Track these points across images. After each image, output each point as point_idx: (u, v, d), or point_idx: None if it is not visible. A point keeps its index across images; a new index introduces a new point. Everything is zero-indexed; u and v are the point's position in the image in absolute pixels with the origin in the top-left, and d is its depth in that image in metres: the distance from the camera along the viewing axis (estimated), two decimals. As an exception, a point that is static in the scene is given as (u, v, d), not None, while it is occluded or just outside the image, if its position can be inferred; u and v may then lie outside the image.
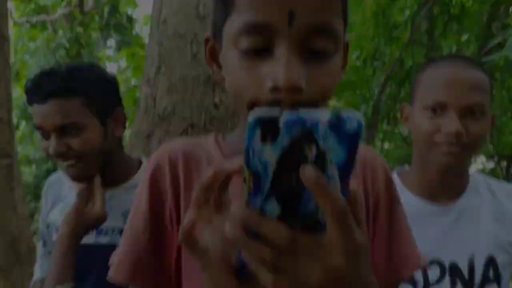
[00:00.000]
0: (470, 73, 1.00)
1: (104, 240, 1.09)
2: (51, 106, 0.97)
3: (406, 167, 1.21)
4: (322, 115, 0.38)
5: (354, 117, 0.39)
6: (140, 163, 1.21)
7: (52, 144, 0.99)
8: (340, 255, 0.42)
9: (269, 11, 0.53)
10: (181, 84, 2.57)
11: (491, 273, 1.03)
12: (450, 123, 0.97)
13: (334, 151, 0.40)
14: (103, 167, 1.07)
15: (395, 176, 1.15)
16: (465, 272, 1.03)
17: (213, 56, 0.67)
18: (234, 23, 0.56)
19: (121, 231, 1.05)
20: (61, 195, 1.19)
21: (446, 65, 1.04)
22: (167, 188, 0.68)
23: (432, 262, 1.03)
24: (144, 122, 2.51)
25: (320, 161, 0.40)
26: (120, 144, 1.16)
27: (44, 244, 1.23)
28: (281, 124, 0.38)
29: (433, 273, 1.04)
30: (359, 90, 4.76)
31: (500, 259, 1.02)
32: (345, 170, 0.41)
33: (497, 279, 1.02)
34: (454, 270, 1.03)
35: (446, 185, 1.08)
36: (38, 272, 1.23)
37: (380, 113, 4.43)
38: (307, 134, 0.39)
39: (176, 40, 2.54)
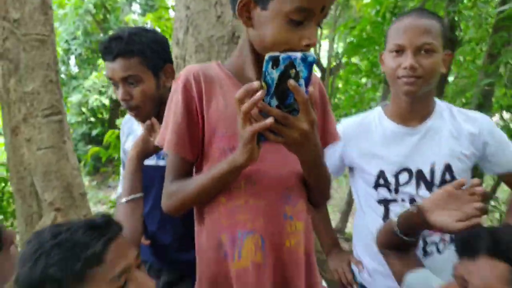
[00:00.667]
0: (422, 21, 1.24)
1: (161, 162, 1.40)
2: (117, 64, 1.26)
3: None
4: (298, 55, 0.77)
5: (311, 55, 0.78)
6: None
7: (120, 92, 1.29)
8: (306, 123, 0.83)
9: (314, 3, 0.87)
10: (207, 44, 2.81)
11: (447, 176, 1.30)
12: (406, 60, 1.23)
13: (303, 72, 0.76)
14: (158, 110, 1.35)
15: (380, 109, 1.42)
16: (428, 176, 1.31)
17: (247, 9, 0.93)
18: (288, 3, 0.86)
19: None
20: (132, 129, 1.51)
21: (405, 17, 1.28)
22: (194, 94, 1.01)
23: (403, 169, 1.32)
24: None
25: (296, 77, 0.76)
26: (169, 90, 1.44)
27: (124, 167, 1.56)
28: (280, 59, 0.76)
29: (403, 177, 1.33)
30: (378, 45, 4.86)
31: (455, 167, 1.30)
32: (307, 81, 0.80)
33: (452, 178, 1.30)
34: (419, 174, 1.31)
35: (414, 111, 1.33)
36: (120, 188, 1.57)
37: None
38: (291, 63, 0.75)
39: (201, 2, 2.75)
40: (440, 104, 1.38)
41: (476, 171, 1.55)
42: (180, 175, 1.04)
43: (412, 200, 1.31)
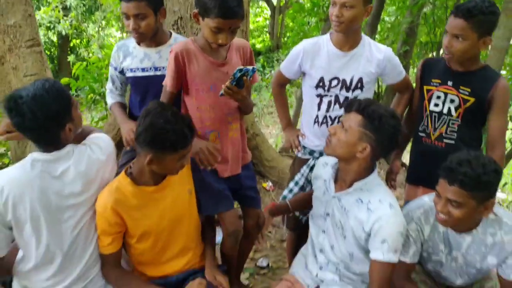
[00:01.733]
0: None
1: (158, 73, 2.01)
2: (132, 4, 1.80)
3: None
4: (249, 68, 1.57)
5: (255, 68, 1.61)
6: (170, 33, 2.10)
7: (131, 23, 1.84)
8: (245, 93, 1.68)
9: (224, 26, 1.57)
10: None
11: (359, 85, 1.99)
12: (334, 10, 1.86)
13: (250, 74, 1.60)
14: (155, 35, 1.96)
15: (328, 36, 2.04)
16: (348, 83, 1.99)
17: (197, 17, 1.67)
18: (210, 22, 1.59)
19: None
20: (129, 51, 2.04)
21: None
22: (180, 63, 1.73)
23: (334, 78, 1.99)
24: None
25: (247, 76, 1.58)
26: (161, 25, 2.01)
27: (113, 82, 2.14)
28: (243, 68, 1.56)
29: (334, 82, 1.99)
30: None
31: (364, 79, 1.98)
32: (251, 77, 1.65)
33: (362, 88, 1.99)
34: (343, 82, 1.99)
35: (345, 42, 1.96)
36: (108, 99, 2.19)
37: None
38: (245, 72, 1.56)
39: None
40: (364, 38, 2.02)
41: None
42: (166, 101, 1.78)
43: (336, 96, 2.01)
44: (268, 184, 3.82)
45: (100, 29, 11.55)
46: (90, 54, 11.96)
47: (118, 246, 1.57)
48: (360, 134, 1.48)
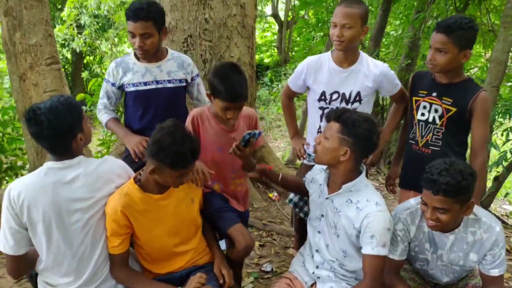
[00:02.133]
0: (346, 9, 2.01)
1: (159, 86, 2.21)
2: (139, 24, 1.99)
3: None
4: (257, 132, 1.78)
5: (260, 132, 1.84)
6: (167, 49, 2.28)
7: (137, 41, 2.02)
8: (248, 152, 1.83)
9: (231, 106, 1.84)
10: (180, 4, 3.48)
11: (357, 98, 2.16)
12: (335, 31, 2.04)
13: (256, 136, 1.79)
14: (156, 52, 2.15)
15: (329, 55, 2.21)
16: (347, 97, 2.16)
17: (209, 96, 1.93)
18: (219, 103, 1.84)
19: (169, 81, 2.22)
20: (129, 67, 2.20)
21: (339, 5, 2.06)
22: (195, 124, 1.97)
23: (334, 92, 2.17)
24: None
25: (253, 138, 1.79)
26: (161, 42, 2.19)
27: (108, 98, 2.29)
28: (251, 132, 1.77)
29: (334, 96, 2.17)
30: (324, 2, 5.63)
31: (362, 93, 2.16)
32: (257, 138, 1.84)
33: (360, 101, 2.16)
34: (343, 95, 2.17)
35: (345, 59, 2.14)
36: (104, 116, 2.31)
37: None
38: (252, 135, 1.76)
39: (174, -31, 3.39)
40: (362, 55, 2.20)
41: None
42: None
43: (327, 114, 2.15)
44: (274, 194, 3.96)
45: (113, 46, 11.89)
46: (103, 71, 12.33)
47: (126, 247, 1.71)
48: (340, 140, 1.64)
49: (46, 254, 1.61)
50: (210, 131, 1.96)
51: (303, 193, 2.03)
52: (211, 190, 2.01)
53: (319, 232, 1.83)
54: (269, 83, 13.04)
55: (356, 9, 2.04)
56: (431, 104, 2.06)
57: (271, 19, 16.27)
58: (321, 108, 2.24)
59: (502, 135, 4.38)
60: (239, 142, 1.76)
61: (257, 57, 17.33)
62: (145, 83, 2.20)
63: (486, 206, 4.72)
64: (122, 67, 2.24)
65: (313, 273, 1.84)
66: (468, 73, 7.04)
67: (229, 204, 2.05)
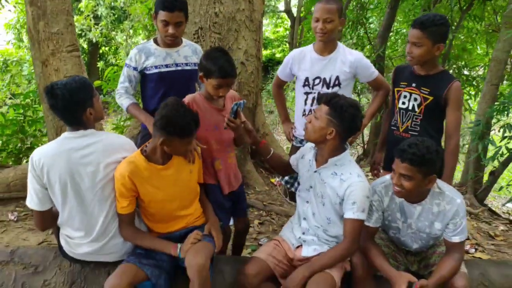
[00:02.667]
0: (326, 4, 2.27)
1: (179, 68, 2.46)
2: (175, 14, 2.24)
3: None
4: (239, 102, 2.01)
5: (242, 101, 2.03)
6: (181, 38, 2.54)
7: (170, 29, 2.28)
8: (239, 123, 2.04)
9: (223, 82, 2.06)
10: (192, -1, 3.71)
11: (336, 82, 2.41)
12: (318, 24, 2.30)
13: (241, 106, 2.01)
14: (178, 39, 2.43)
15: (311, 46, 2.48)
16: (327, 81, 2.41)
17: (202, 78, 2.13)
18: (212, 81, 2.06)
19: (186, 64, 2.48)
20: (151, 52, 2.44)
21: (319, 2, 2.31)
22: (192, 107, 2.09)
23: (316, 77, 2.43)
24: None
25: (238, 112, 2.00)
26: None
27: (130, 82, 2.49)
28: (238, 103, 2.00)
29: (316, 81, 2.43)
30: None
31: (341, 78, 2.41)
32: (242, 108, 2.03)
33: (339, 85, 2.41)
34: (324, 80, 2.41)
35: (324, 49, 2.41)
36: (125, 100, 2.52)
37: (346, 18, 5.56)
38: (238, 105, 2.00)
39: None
40: (339, 45, 2.46)
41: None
42: None
43: (319, 93, 2.42)
44: (276, 180, 4.19)
45: (128, 37, 12.19)
46: (118, 61, 12.66)
47: (133, 208, 1.95)
48: (327, 121, 1.87)
49: (62, 210, 1.89)
50: (205, 113, 2.16)
51: (289, 173, 2.29)
52: (212, 184, 2.24)
53: (307, 202, 2.06)
54: (279, 78, 13.21)
55: (334, 5, 2.34)
56: (410, 93, 2.28)
57: (284, 15, 16.43)
58: (306, 93, 2.53)
59: (499, 131, 4.54)
60: (229, 115, 1.99)
61: (268, 51, 17.53)
62: (167, 65, 2.46)
63: (481, 199, 4.89)
64: (144, 52, 2.47)
65: (300, 238, 2.07)
66: (473, 72, 7.16)
67: (226, 199, 2.29)
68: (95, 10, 11.13)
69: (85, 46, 13.33)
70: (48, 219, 1.93)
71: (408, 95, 2.29)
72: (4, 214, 3.03)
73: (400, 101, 2.33)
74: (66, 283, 1.91)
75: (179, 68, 2.48)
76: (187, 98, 2.19)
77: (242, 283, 1.93)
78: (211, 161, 2.22)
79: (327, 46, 2.44)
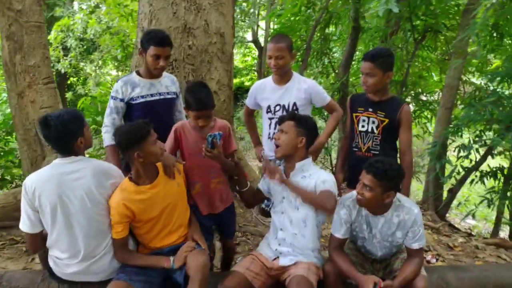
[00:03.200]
0: (276, 43, 2.56)
1: (161, 97, 2.67)
2: (166, 49, 2.49)
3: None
4: (217, 133, 2.18)
5: (221, 134, 2.20)
6: None
7: (161, 62, 2.49)
8: (216, 152, 2.21)
9: (201, 114, 2.28)
10: (167, 33, 3.91)
11: (294, 107, 2.65)
12: (272, 61, 2.59)
13: (218, 138, 2.18)
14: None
15: (270, 78, 2.73)
16: (286, 107, 2.66)
17: (186, 109, 2.36)
18: (192, 114, 2.30)
19: (167, 93, 2.71)
20: (136, 83, 2.61)
21: (271, 40, 2.61)
22: (178, 135, 2.40)
23: (277, 105, 2.68)
24: (141, 59, 3.84)
25: (217, 142, 2.18)
26: None
27: (117, 114, 2.63)
28: (213, 135, 2.17)
29: (277, 108, 2.68)
30: (296, 32, 6.17)
31: (298, 104, 2.66)
32: (219, 139, 2.20)
33: (297, 110, 2.64)
34: (283, 106, 2.66)
35: (280, 79, 2.69)
36: (105, 136, 2.65)
37: (311, 49, 5.92)
38: (214, 137, 2.16)
39: (161, 1, 3.84)
40: (294, 75, 2.74)
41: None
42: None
43: (280, 118, 2.58)
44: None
45: (97, 68, 12.26)
46: (87, 91, 12.63)
47: (126, 232, 2.08)
48: (297, 132, 2.19)
49: (50, 232, 2.00)
50: (190, 140, 2.36)
51: (258, 202, 2.60)
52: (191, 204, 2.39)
53: (282, 213, 2.27)
54: (248, 106, 13.53)
55: (283, 43, 2.62)
56: (368, 117, 2.56)
57: (252, 45, 16.94)
58: (269, 118, 2.79)
59: (454, 151, 4.91)
60: (205, 145, 2.16)
61: (237, 80, 17.92)
62: (151, 95, 2.67)
63: (442, 215, 5.20)
64: (130, 84, 2.65)
65: (276, 249, 2.25)
66: (429, 97, 7.67)
67: (205, 218, 2.44)
68: (64, 42, 11.17)
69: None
70: (39, 241, 2.03)
71: (366, 119, 2.56)
72: (-18, 244, 3.05)
73: (360, 125, 2.59)
74: (55, 304, 1.99)
75: (162, 97, 2.69)
76: (177, 125, 2.39)
77: None
78: (192, 183, 2.39)
79: (283, 77, 2.72)
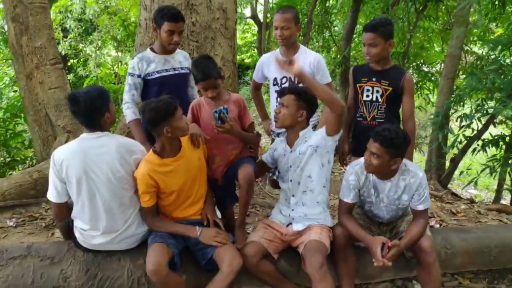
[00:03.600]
0: (283, 14, 2.62)
1: (176, 72, 2.73)
2: (179, 24, 2.53)
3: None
4: (220, 108, 2.26)
5: (223, 107, 2.28)
6: None
7: (175, 37, 2.55)
8: (227, 126, 2.29)
9: (208, 84, 2.34)
10: (169, 10, 3.93)
11: (300, 80, 2.64)
12: (277, 32, 2.64)
13: (225, 110, 2.27)
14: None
15: (278, 50, 2.78)
16: (293, 79, 2.72)
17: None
18: (199, 86, 2.40)
19: (181, 68, 2.77)
20: (150, 59, 2.67)
21: (277, 12, 2.65)
22: (194, 111, 2.52)
23: (283, 77, 2.75)
24: (146, 36, 3.87)
25: (225, 116, 2.27)
26: None
27: (136, 89, 2.69)
28: (215, 111, 2.26)
29: (284, 80, 2.76)
30: (298, 5, 6.15)
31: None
32: (226, 113, 2.29)
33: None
34: (290, 78, 2.73)
35: (287, 51, 2.74)
36: (131, 114, 2.70)
37: (312, 22, 5.92)
38: (219, 112, 2.25)
39: (163, -22, 3.85)
40: (301, 47, 2.80)
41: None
42: None
43: (280, 91, 2.60)
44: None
45: (97, 49, 12.21)
46: (87, 73, 12.63)
47: (154, 201, 2.20)
48: (297, 105, 2.26)
49: (76, 203, 2.12)
50: (206, 115, 2.44)
51: (263, 174, 2.71)
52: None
53: (291, 180, 2.37)
54: (249, 82, 13.56)
55: (289, 13, 2.67)
56: (372, 87, 2.62)
57: (251, 21, 16.78)
58: (276, 91, 2.82)
59: (456, 121, 4.97)
60: (214, 121, 2.25)
61: (238, 57, 17.81)
62: (166, 70, 2.72)
63: (445, 184, 5.31)
64: (145, 60, 2.71)
65: (289, 215, 2.36)
66: (431, 68, 7.68)
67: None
68: (63, 23, 11.11)
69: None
70: (63, 211, 2.16)
71: (370, 88, 2.62)
72: (2, 221, 3.16)
73: (364, 95, 2.65)
74: (81, 270, 2.11)
75: (176, 72, 2.76)
76: (194, 102, 2.49)
77: (244, 263, 2.16)
78: (211, 156, 2.48)
79: (289, 49, 2.77)
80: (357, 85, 2.70)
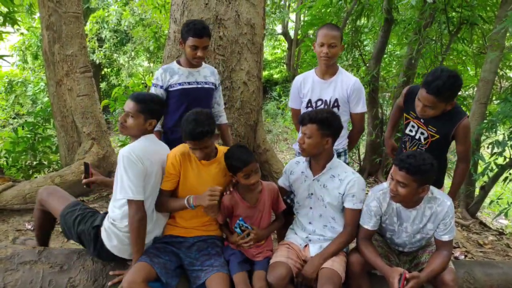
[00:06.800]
0: (331, 31, 2.51)
1: (199, 86, 2.73)
2: (203, 40, 2.54)
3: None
4: (238, 222, 2.24)
5: (240, 219, 2.25)
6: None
7: (199, 52, 2.57)
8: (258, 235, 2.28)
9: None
10: (198, 23, 3.98)
11: (336, 103, 2.60)
12: (323, 49, 2.52)
13: (243, 224, 2.26)
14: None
15: (313, 71, 2.70)
16: (328, 102, 2.61)
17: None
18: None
19: (205, 83, 2.77)
20: (174, 71, 2.69)
21: (323, 27, 2.54)
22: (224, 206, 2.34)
23: (318, 99, 2.64)
24: (174, 48, 3.93)
25: (245, 227, 2.27)
26: None
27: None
28: (238, 222, 2.27)
29: (319, 103, 2.64)
30: (329, 22, 6.11)
31: (339, 100, 2.61)
32: (247, 226, 2.27)
33: (338, 107, 2.60)
34: (325, 101, 2.61)
35: (326, 72, 2.62)
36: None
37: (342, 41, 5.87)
38: (239, 223, 2.26)
39: (194, -8, 3.90)
40: (340, 69, 2.67)
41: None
42: None
43: (301, 118, 2.47)
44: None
45: (130, 59, 12.54)
46: (120, 82, 12.97)
47: (172, 187, 2.20)
48: (321, 134, 2.13)
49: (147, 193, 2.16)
50: (238, 207, 2.27)
51: (283, 195, 2.46)
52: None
53: (310, 208, 2.30)
54: (277, 98, 13.57)
55: (337, 31, 2.58)
56: (418, 126, 2.42)
57: (281, 37, 16.88)
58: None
59: (488, 148, 4.77)
60: (239, 237, 2.24)
61: (266, 73, 17.94)
62: (189, 83, 2.72)
63: (473, 212, 5.08)
64: (169, 72, 2.74)
65: (306, 237, 2.31)
66: (464, 91, 7.46)
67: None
68: (99, 33, 11.48)
69: (87, 67, 13.62)
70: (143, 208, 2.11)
71: (415, 126, 2.44)
72: (21, 224, 3.21)
73: (408, 128, 2.49)
74: (89, 280, 2.09)
75: (200, 86, 2.75)
76: (227, 200, 2.28)
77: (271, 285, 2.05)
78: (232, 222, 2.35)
79: (328, 70, 2.63)
80: (405, 114, 2.51)
